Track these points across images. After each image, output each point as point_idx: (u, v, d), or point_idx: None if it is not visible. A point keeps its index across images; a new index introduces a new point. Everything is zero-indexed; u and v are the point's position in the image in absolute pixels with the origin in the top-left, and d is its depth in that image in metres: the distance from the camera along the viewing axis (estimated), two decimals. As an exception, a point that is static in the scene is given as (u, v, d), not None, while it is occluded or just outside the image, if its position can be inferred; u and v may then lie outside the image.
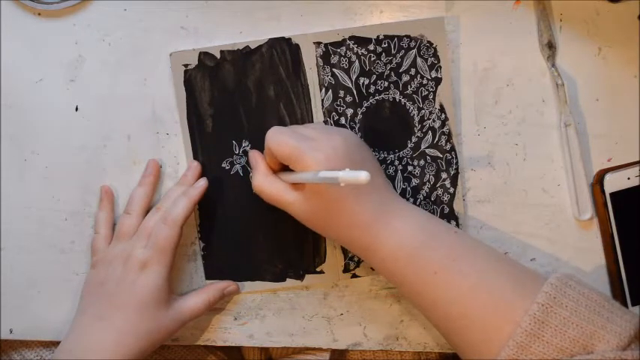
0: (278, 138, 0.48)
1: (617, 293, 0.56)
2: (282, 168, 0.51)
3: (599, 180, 0.56)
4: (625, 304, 0.56)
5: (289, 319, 0.57)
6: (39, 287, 0.56)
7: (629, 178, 0.56)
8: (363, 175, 0.39)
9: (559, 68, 0.56)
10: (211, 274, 0.56)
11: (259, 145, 0.54)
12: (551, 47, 0.56)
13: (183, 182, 0.55)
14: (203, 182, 0.54)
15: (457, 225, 0.56)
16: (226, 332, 0.57)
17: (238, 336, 0.57)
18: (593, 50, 0.56)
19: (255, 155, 0.53)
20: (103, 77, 0.55)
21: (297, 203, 0.49)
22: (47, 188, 0.56)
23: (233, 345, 0.57)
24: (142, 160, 0.56)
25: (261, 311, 0.57)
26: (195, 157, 0.55)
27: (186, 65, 0.54)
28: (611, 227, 0.56)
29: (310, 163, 0.46)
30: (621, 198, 0.56)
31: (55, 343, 0.57)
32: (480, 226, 0.57)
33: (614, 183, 0.56)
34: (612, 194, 0.56)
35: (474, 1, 0.55)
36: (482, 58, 0.56)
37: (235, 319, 0.57)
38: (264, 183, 0.51)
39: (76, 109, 0.55)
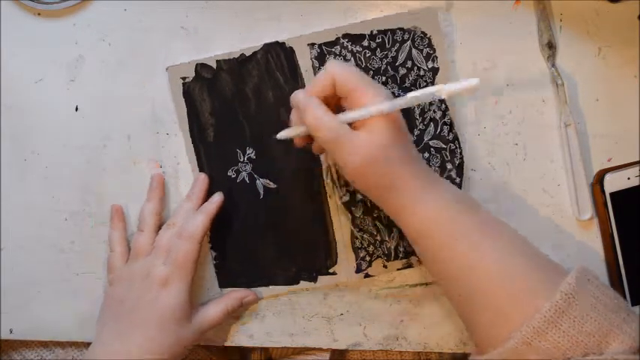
0: (344, 67, 0.46)
1: (617, 293, 0.56)
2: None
3: (599, 180, 0.56)
4: (625, 304, 0.56)
5: (289, 319, 0.57)
6: (39, 287, 0.56)
7: (629, 178, 0.56)
8: (474, 81, 0.37)
9: (559, 68, 0.56)
10: (225, 282, 0.56)
11: (263, 152, 0.55)
12: (551, 47, 0.56)
13: (192, 196, 0.54)
14: (218, 197, 0.54)
15: None
16: (226, 332, 0.57)
17: (238, 336, 0.57)
18: (593, 50, 0.56)
19: (299, 95, 0.48)
20: (103, 77, 0.55)
21: (363, 140, 0.45)
22: (47, 188, 0.56)
23: (233, 345, 0.57)
24: (142, 160, 0.56)
25: (261, 311, 0.57)
26: (201, 169, 0.55)
27: (183, 78, 0.54)
28: (611, 227, 0.56)
29: (374, 96, 0.45)
30: (621, 198, 0.56)
31: (55, 343, 0.57)
32: (480, 226, 0.57)
33: (614, 183, 0.56)
34: (612, 194, 0.56)
35: (474, 1, 0.55)
36: (482, 58, 0.56)
37: (235, 319, 0.57)
38: (324, 118, 0.45)
39: (76, 109, 0.55)
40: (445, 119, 0.55)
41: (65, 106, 0.55)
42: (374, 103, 0.45)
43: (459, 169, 0.56)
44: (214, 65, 0.54)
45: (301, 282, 0.56)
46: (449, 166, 0.56)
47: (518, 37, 0.56)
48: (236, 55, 0.54)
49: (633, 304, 0.56)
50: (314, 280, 0.56)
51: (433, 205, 0.47)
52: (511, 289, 0.45)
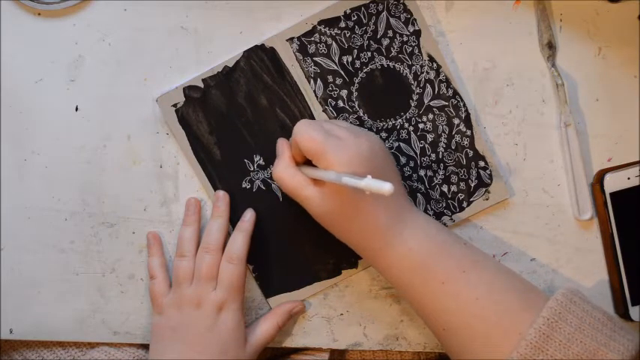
0: (306, 132, 0.48)
1: (617, 293, 0.56)
2: (306, 160, 0.51)
3: (599, 180, 0.56)
4: (625, 305, 0.56)
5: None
6: (39, 287, 0.56)
7: (629, 178, 0.56)
8: (387, 187, 0.39)
9: (559, 68, 0.56)
10: (269, 291, 0.56)
11: (271, 155, 0.55)
12: (551, 47, 0.56)
13: (218, 214, 0.54)
14: (251, 214, 0.55)
15: (485, 164, 0.55)
16: (226, 332, 0.57)
17: (238, 336, 0.57)
18: (593, 50, 0.56)
19: (282, 143, 0.53)
20: (103, 77, 0.55)
21: (315, 199, 0.49)
22: (47, 188, 0.56)
23: (233, 345, 0.57)
24: (142, 160, 0.56)
25: (261, 311, 0.57)
26: (215, 188, 0.55)
27: (175, 105, 0.54)
28: (611, 227, 0.56)
29: (333, 162, 0.46)
30: (621, 198, 0.56)
31: (56, 343, 0.57)
32: (480, 226, 0.57)
33: (614, 183, 0.56)
34: (612, 194, 0.56)
35: (474, 1, 0.55)
36: (483, 58, 0.56)
37: (235, 319, 0.57)
38: (285, 173, 0.50)
39: (76, 109, 0.55)
40: (440, 77, 0.55)
41: (65, 106, 0.55)
42: (330, 168, 0.46)
43: (467, 121, 0.55)
44: (201, 85, 0.54)
45: (343, 272, 0.56)
46: (456, 121, 0.55)
47: (518, 37, 0.56)
48: (220, 69, 0.54)
49: (633, 304, 0.56)
50: (355, 265, 0.56)
51: (404, 247, 0.48)
52: (497, 319, 0.45)
